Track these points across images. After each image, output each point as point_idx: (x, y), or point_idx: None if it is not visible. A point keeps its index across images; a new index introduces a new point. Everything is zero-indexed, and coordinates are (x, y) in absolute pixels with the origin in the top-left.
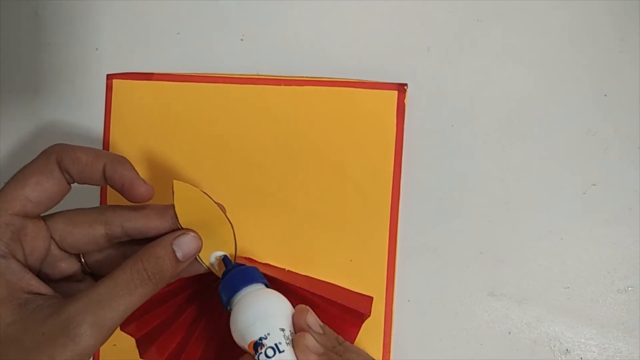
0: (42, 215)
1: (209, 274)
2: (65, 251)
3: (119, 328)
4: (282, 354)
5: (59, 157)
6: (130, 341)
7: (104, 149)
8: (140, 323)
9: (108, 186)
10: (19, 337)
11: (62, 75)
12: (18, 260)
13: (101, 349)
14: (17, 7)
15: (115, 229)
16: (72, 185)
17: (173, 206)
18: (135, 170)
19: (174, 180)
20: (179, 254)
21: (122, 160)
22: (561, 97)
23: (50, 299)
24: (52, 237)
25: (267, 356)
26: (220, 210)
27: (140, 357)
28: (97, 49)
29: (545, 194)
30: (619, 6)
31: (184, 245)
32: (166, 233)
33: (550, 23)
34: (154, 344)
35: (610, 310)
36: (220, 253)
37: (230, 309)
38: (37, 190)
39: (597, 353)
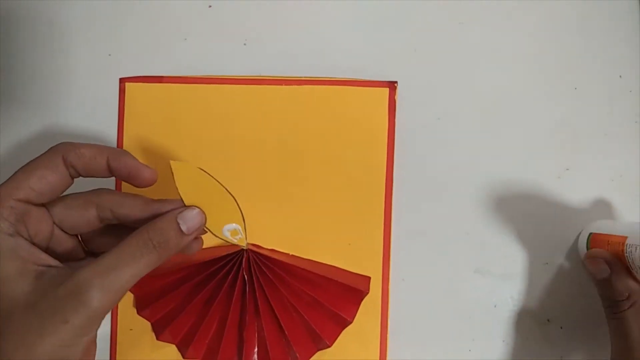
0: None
1: (218, 258)
2: (67, 233)
3: (135, 312)
4: None
5: (64, 153)
6: (146, 326)
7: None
8: (155, 308)
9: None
10: (36, 303)
11: (77, 80)
12: (26, 239)
13: (118, 333)
14: (33, 15)
15: (105, 212)
16: (75, 178)
17: (164, 200)
18: (137, 159)
19: (171, 161)
20: (183, 228)
21: (124, 152)
22: (535, 91)
23: (62, 270)
24: (53, 222)
25: None
26: (220, 184)
27: (157, 339)
28: (109, 54)
29: (524, 178)
30: (582, 5)
31: (188, 220)
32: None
33: (524, 24)
34: (168, 326)
35: (584, 281)
36: (233, 225)
37: None
38: (40, 182)
39: (574, 322)
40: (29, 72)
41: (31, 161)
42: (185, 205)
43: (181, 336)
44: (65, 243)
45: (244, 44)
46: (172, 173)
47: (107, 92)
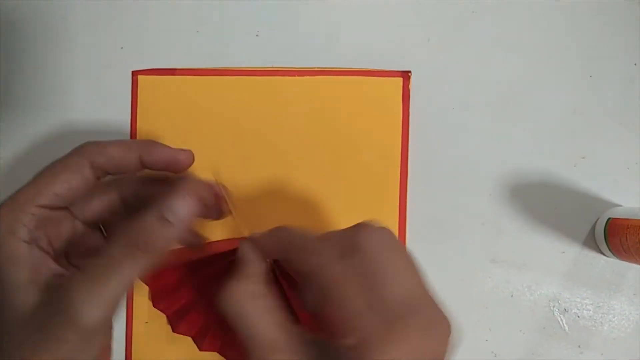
0: None
1: (232, 251)
2: (87, 225)
3: (151, 305)
4: None
5: (91, 156)
6: (162, 318)
7: None
8: (170, 300)
9: None
10: (35, 317)
11: (90, 74)
12: (40, 247)
13: (134, 326)
14: (44, 10)
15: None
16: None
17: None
18: (168, 145)
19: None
20: (170, 217)
21: (153, 143)
22: (550, 79)
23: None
24: (74, 216)
25: None
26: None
27: (173, 332)
28: (122, 47)
29: (539, 167)
30: None
31: (175, 210)
32: None
33: (537, 12)
34: (184, 319)
35: (602, 272)
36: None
37: None
38: (64, 188)
39: (592, 311)
40: (41, 66)
41: (55, 163)
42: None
43: (197, 328)
44: (86, 237)
45: (257, 35)
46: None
47: (119, 85)
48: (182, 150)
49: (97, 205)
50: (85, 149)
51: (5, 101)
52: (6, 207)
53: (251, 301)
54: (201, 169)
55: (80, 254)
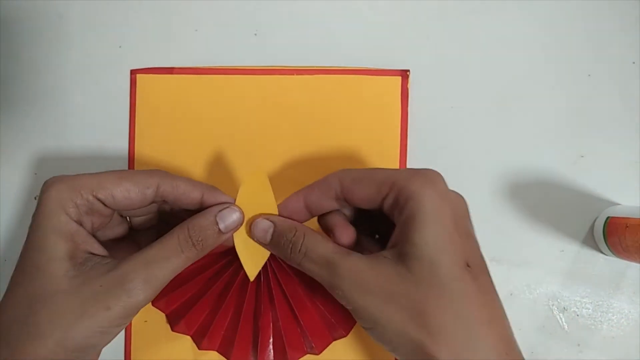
0: None
1: (232, 249)
2: (121, 215)
3: (150, 304)
4: None
5: (160, 180)
6: (161, 317)
7: (130, 140)
8: (169, 299)
9: None
10: (79, 288)
11: (88, 73)
12: (85, 229)
13: (133, 325)
14: (42, 9)
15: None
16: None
17: (212, 189)
18: (226, 195)
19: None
20: (221, 226)
21: (216, 190)
22: (549, 79)
23: (106, 259)
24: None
25: None
26: (273, 200)
27: (172, 331)
28: (120, 46)
29: (538, 166)
30: None
31: (226, 219)
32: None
33: (536, 12)
34: (183, 317)
35: (602, 270)
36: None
37: None
38: (123, 196)
39: (591, 310)
40: (39, 65)
41: (127, 170)
42: (227, 202)
43: (196, 327)
44: (116, 226)
45: (255, 34)
46: (244, 181)
47: (118, 84)
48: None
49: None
50: (157, 173)
51: (3, 99)
52: (63, 183)
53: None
54: (199, 167)
55: (105, 239)
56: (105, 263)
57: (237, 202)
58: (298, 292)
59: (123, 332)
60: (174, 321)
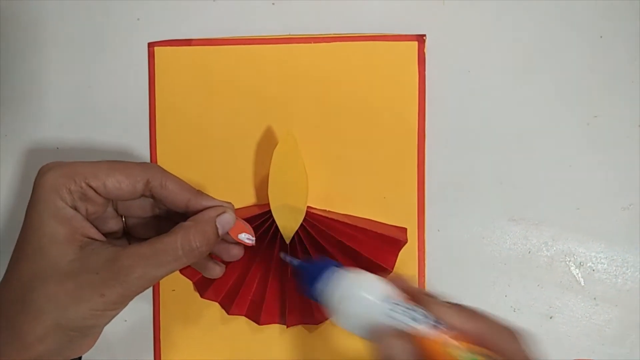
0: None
1: (257, 215)
2: (116, 211)
3: (178, 272)
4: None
5: (151, 177)
6: (188, 285)
7: (150, 113)
8: None
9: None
10: (77, 273)
11: (106, 46)
12: (81, 214)
13: (161, 294)
14: None
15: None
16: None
17: (202, 195)
18: (213, 199)
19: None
20: (220, 231)
21: (202, 194)
22: (563, 40)
23: (105, 245)
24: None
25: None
26: (303, 167)
27: (201, 297)
28: (138, 19)
29: (554, 126)
30: None
31: (224, 223)
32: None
33: None
34: (211, 285)
35: (616, 226)
36: None
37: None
38: (114, 186)
39: (606, 264)
40: (58, 39)
41: (120, 161)
42: (221, 206)
43: (224, 293)
44: (111, 221)
45: (273, 4)
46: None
47: (136, 57)
48: (226, 207)
49: (133, 204)
50: (150, 167)
51: (19, 75)
52: (58, 170)
53: None
54: (220, 137)
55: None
56: (104, 249)
57: (272, 162)
58: (324, 255)
59: (151, 302)
60: (202, 288)
